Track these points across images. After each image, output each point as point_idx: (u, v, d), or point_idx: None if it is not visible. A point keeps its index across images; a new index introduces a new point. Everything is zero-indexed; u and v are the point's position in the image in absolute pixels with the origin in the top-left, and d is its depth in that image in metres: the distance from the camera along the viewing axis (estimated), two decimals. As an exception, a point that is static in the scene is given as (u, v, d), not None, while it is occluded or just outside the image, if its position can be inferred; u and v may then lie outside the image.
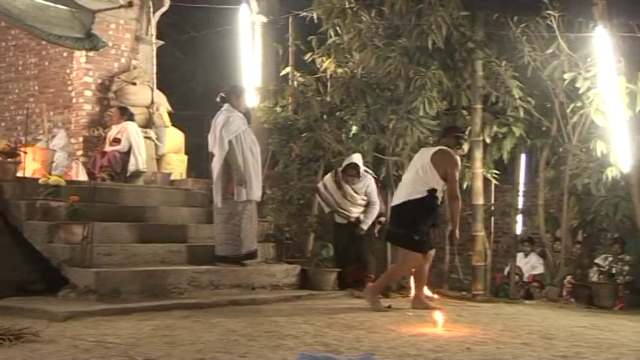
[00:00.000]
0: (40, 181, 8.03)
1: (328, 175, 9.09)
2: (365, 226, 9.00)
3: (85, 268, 6.85)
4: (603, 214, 8.65)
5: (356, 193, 8.94)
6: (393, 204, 7.63)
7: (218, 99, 8.11)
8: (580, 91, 8.52)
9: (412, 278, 7.88)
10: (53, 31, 9.74)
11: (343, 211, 8.98)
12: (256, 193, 8.04)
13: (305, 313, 6.74)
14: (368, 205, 9.01)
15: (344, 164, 8.92)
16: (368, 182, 9.02)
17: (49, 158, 9.76)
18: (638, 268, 8.45)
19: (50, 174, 8.87)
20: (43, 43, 11.64)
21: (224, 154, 7.83)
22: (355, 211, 8.99)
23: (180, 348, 4.83)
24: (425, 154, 7.47)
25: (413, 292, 7.87)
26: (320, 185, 9.12)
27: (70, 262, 6.99)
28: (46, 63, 12.25)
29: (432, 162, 7.25)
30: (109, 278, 6.80)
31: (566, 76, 8.55)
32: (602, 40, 8.17)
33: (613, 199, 8.48)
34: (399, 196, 7.47)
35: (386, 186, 9.95)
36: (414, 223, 7.24)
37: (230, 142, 7.83)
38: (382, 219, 9.08)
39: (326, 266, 8.83)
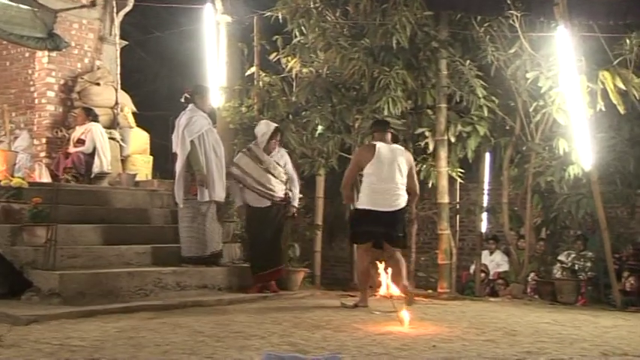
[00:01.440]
0: (1, 183, 7.93)
1: (239, 154, 8.32)
2: (296, 204, 8.44)
3: (49, 270, 6.78)
4: (566, 212, 8.76)
5: (278, 165, 8.28)
6: (393, 208, 7.31)
7: (182, 99, 8.08)
8: (542, 90, 8.62)
9: (389, 277, 7.69)
10: (14, 31, 9.63)
11: (266, 190, 8.12)
12: (219, 194, 8.00)
13: (272, 313, 6.73)
14: (288, 182, 8.34)
15: (268, 131, 8.20)
16: (282, 153, 8.44)
17: (11, 160, 9.61)
18: (600, 264, 8.58)
19: (13, 176, 8.74)
20: (4, 42, 11.47)
21: (186, 154, 7.80)
22: (279, 189, 8.21)
23: (146, 350, 4.80)
24: (397, 154, 7.43)
25: (399, 287, 7.63)
26: (232, 169, 8.19)
27: (33, 264, 6.92)
28: (7, 63, 12.06)
29: (408, 164, 7.46)
30: (73, 281, 6.73)
31: (528, 75, 8.65)
32: (563, 39, 8.28)
33: (575, 196, 8.60)
34: (398, 201, 7.36)
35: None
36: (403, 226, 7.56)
37: (192, 142, 7.80)
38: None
39: (293, 266, 8.83)
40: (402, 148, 7.75)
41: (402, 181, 7.40)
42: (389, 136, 7.61)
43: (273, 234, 8.26)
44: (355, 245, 7.90)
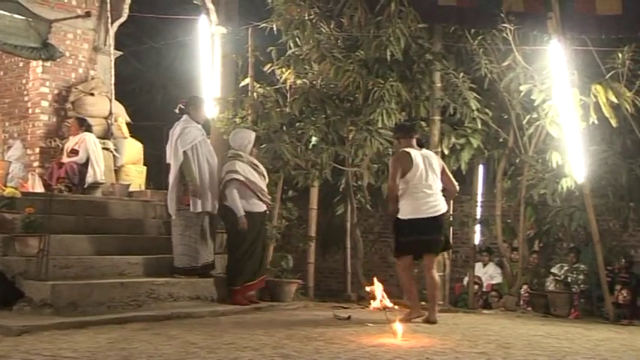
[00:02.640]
0: (-6, 193, 7.89)
1: (233, 162, 8.09)
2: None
3: (41, 281, 6.75)
4: (559, 224, 8.80)
5: None
6: (436, 214, 7.18)
7: (177, 110, 8.08)
8: (535, 103, 8.67)
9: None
10: (8, 41, 9.63)
11: (262, 195, 8.16)
12: (212, 205, 7.98)
13: (265, 324, 6.72)
14: None
15: (251, 139, 8.25)
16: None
17: (4, 170, 9.59)
18: (593, 277, 8.60)
19: (5, 185, 8.72)
20: (-2, 52, 11.48)
21: (179, 164, 7.80)
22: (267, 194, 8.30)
23: (138, 361, 4.79)
24: (432, 159, 7.34)
25: (411, 305, 7.57)
26: (235, 175, 7.99)
27: (25, 274, 6.88)
28: (1, 73, 12.05)
29: (440, 165, 7.39)
30: (65, 291, 6.70)
31: (522, 88, 8.69)
32: (556, 53, 8.32)
33: (568, 209, 8.64)
34: (440, 204, 7.25)
35: (346, 197, 10.01)
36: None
37: (185, 152, 7.79)
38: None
39: (286, 277, 8.82)
40: (432, 153, 7.68)
41: (439, 185, 7.32)
42: (414, 141, 7.41)
43: (263, 241, 8.32)
44: (396, 260, 7.63)
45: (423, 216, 7.15)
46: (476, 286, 10.02)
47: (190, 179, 7.79)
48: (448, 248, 8.08)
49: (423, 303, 9.07)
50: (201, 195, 7.82)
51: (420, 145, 7.48)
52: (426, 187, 7.17)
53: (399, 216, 7.24)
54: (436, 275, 7.39)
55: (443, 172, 7.40)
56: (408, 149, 7.26)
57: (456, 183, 7.59)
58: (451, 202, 9.77)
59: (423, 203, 7.16)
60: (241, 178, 8.00)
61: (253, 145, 8.32)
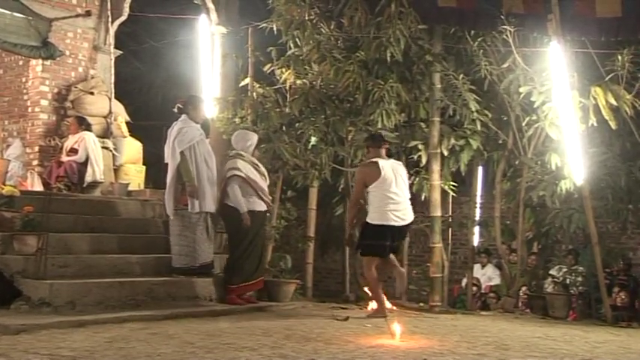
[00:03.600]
0: (-7, 192, 7.89)
1: (235, 160, 8.08)
2: None
3: (39, 279, 6.75)
4: (558, 226, 8.79)
5: None
6: (405, 222, 7.56)
7: (175, 109, 8.07)
8: (535, 105, 8.67)
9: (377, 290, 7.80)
10: (8, 39, 9.65)
11: (264, 194, 8.18)
12: (210, 205, 7.96)
13: (263, 324, 6.71)
14: None
15: (254, 140, 8.32)
16: None
17: (3, 168, 9.58)
18: (591, 279, 8.60)
19: (4, 184, 8.72)
20: (-2, 50, 11.48)
21: (176, 164, 7.79)
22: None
23: (136, 361, 4.79)
24: (398, 169, 7.68)
25: (377, 303, 7.77)
26: (237, 172, 7.98)
27: (23, 273, 6.88)
28: (1, 71, 12.06)
29: (407, 178, 7.81)
30: (63, 290, 6.70)
31: (521, 89, 8.69)
32: (556, 55, 8.32)
33: (567, 211, 8.63)
34: (408, 213, 7.61)
35: (345, 197, 10.00)
36: None
37: (182, 153, 7.77)
38: None
39: (284, 277, 8.82)
40: (400, 162, 8.04)
41: (407, 194, 7.67)
42: (384, 151, 7.73)
43: (262, 241, 8.34)
44: (362, 257, 7.91)
45: (390, 223, 7.48)
46: (474, 288, 10.03)
47: (188, 179, 7.77)
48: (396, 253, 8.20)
49: (422, 304, 9.14)
50: (199, 195, 7.81)
51: (389, 156, 7.87)
52: (393, 194, 7.48)
53: (368, 220, 7.56)
54: (401, 268, 7.91)
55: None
56: (376, 159, 7.57)
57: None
58: (450, 204, 9.88)
59: (390, 210, 7.49)
60: (243, 175, 7.97)
61: (255, 147, 8.34)
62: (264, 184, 8.23)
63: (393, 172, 7.54)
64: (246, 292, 8.06)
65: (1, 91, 11.98)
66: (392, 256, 7.73)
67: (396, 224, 7.48)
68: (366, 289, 8.18)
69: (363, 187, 7.58)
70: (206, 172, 7.91)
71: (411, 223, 7.77)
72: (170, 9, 13.38)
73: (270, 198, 8.51)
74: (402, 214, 7.53)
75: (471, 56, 9.05)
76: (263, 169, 8.35)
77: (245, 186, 7.98)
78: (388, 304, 7.99)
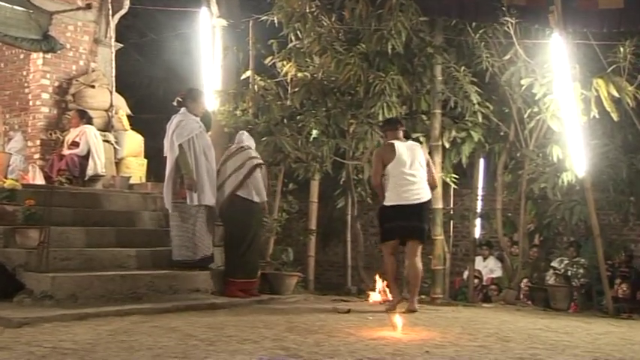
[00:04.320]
0: (-5, 185, 7.90)
1: (252, 150, 8.24)
2: None
3: (42, 273, 6.75)
4: (559, 218, 8.79)
5: None
6: (418, 201, 7.42)
7: (175, 103, 8.06)
8: (537, 97, 8.66)
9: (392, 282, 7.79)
10: (8, 32, 9.64)
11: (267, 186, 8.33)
12: (209, 198, 7.94)
13: (265, 317, 6.72)
14: None
15: (245, 135, 8.43)
16: None
17: (5, 162, 9.59)
18: (593, 271, 8.60)
19: (6, 177, 8.72)
20: (-1, 44, 11.47)
21: (175, 157, 7.78)
22: None
23: (138, 353, 4.79)
24: (416, 150, 7.59)
25: (391, 294, 7.80)
26: (257, 161, 8.12)
27: (25, 266, 6.89)
28: (2, 65, 12.06)
29: (426, 159, 7.67)
30: (65, 283, 6.71)
31: (523, 82, 8.68)
32: (557, 47, 8.31)
33: (569, 203, 8.63)
34: (423, 193, 7.49)
35: (346, 190, 10.01)
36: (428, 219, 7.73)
37: (181, 146, 7.76)
38: None
39: (286, 270, 8.83)
40: (418, 144, 7.93)
41: (424, 174, 7.57)
42: (401, 133, 7.72)
43: (262, 234, 8.41)
44: (381, 245, 7.85)
45: (405, 203, 7.42)
46: (476, 280, 10.05)
47: (186, 172, 7.76)
48: (422, 238, 7.79)
49: (423, 296, 9.15)
50: (198, 188, 7.80)
51: (407, 137, 7.83)
52: (409, 175, 7.44)
53: (384, 203, 7.53)
54: (419, 263, 7.50)
55: (428, 164, 7.68)
56: (392, 141, 7.57)
57: (436, 179, 7.89)
58: (451, 196, 9.89)
59: (405, 190, 7.43)
60: (263, 162, 8.10)
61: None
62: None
63: (410, 152, 7.52)
64: (248, 287, 8.03)
65: (2, 85, 11.98)
66: (414, 247, 7.49)
67: (411, 203, 7.41)
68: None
69: (381, 167, 7.50)
70: (205, 165, 7.90)
71: (429, 202, 7.65)
72: (171, 2, 13.35)
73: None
74: (417, 193, 7.44)
75: (473, 48, 9.05)
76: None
77: (263, 175, 8.10)
78: (390, 297, 8.02)
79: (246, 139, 8.39)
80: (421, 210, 7.50)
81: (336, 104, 9.49)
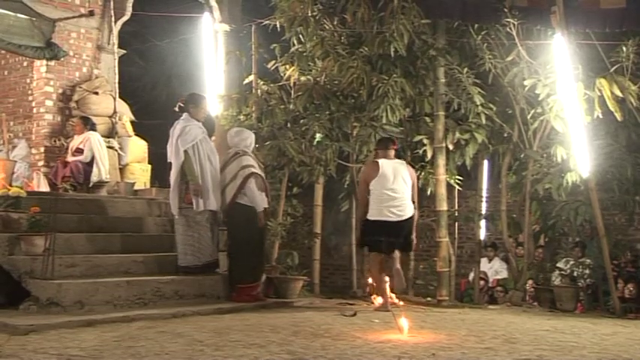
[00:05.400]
0: (0, 193, 7.91)
1: (247, 157, 8.07)
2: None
3: (47, 280, 6.75)
4: (564, 219, 8.77)
5: None
6: (400, 218, 7.80)
7: (176, 109, 8.06)
8: (540, 98, 8.65)
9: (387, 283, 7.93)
10: (12, 40, 9.66)
11: (266, 191, 8.24)
12: (214, 203, 7.94)
13: (271, 321, 6.72)
14: None
15: (252, 138, 8.30)
16: None
17: (9, 169, 9.62)
18: (599, 271, 8.58)
19: (11, 185, 8.74)
20: (2, 52, 11.50)
21: (180, 163, 7.78)
22: None
23: (145, 359, 4.80)
24: (400, 169, 7.95)
25: (382, 297, 7.93)
26: (253, 170, 7.96)
27: (31, 274, 6.89)
28: (6, 72, 12.09)
29: (412, 179, 8.01)
30: (71, 290, 6.71)
31: (526, 82, 8.67)
32: (560, 47, 8.31)
33: (573, 203, 8.61)
34: (405, 210, 7.86)
35: (350, 193, 10.01)
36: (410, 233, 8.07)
37: (186, 151, 7.76)
38: None
39: (291, 274, 8.83)
40: (404, 162, 8.24)
41: (407, 191, 7.92)
42: (392, 152, 8.07)
43: (266, 237, 8.42)
44: (366, 253, 8.30)
45: (386, 219, 7.81)
46: (482, 282, 10.03)
47: (192, 178, 7.76)
48: (409, 250, 8.49)
49: (429, 298, 9.15)
50: (203, 193, 7.81)
51: (398, 157, 8.28)
52: (390, 190, 7.82)
53: (367, 216, 7.93)
54: (398, 265, 7.90)
55: (413, 185, 8.03)
56: (378, 159, 7.98)
57: (416, 198, 8.17)
58: (456, 198, 9.89)
59: (387, 206, 7.81)
60: (258, 172, 8.02)
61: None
62: (265, 179, 8.27)
63: (393, 170, 7.88)
64: (255, 291, 8.04)
65: (6, 93, 12.01)
66: (396, 253, 7.90)
67: (392, 219, 7.80)
68: (370, 280, 8.43)
69: (366, 185, 7.91)
70: (210, 171, 7.89)
71: (410, 219, 7.92)
72: (173, 7, 13.39)
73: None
74: (399, 210, 7.82)
75: (475, 50, 9.05)
76: (261, 164, 8.40)
77: (259, 182, 8.01)
78: (395, 300, 8.05)
79: (235, 141, 8.19)
80: (403, 227, 7.89)
81: (340, 107, 9.49)
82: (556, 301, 8.61)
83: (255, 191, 7.91)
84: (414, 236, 8.11)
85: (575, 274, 8.77)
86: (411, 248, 8.30)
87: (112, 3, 11.65)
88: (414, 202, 8.00)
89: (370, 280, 8.56)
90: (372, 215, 7.86)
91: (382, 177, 7.80)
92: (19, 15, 9.80)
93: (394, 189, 7.81)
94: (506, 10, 8.54)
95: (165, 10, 13.18)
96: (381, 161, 7.90)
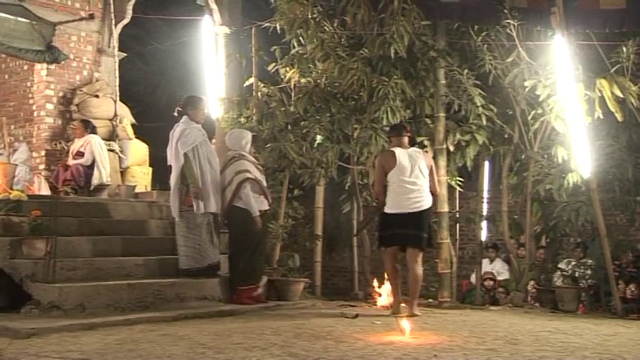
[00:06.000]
0: (0, 196, 7.91)
1: (244, 161, 8.06)
2: None
3: (49, 283, 6.76)
4: (565, 220, 8.77)
5: None
6: (418, 209, 7.45)
7: (175, 113, 8.07)
8: (540, 99, 8.65)
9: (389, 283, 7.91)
10: (12, 44, 9.68)
11: (266, 193, 8.21)
12: (215, 206, 7.94)
13: (272, 324, 6.72)
14: None
15: (249, 138, 8.26)
16: None
17: (10, 173, 9.62)
18: (600, 272, 8.57)
19: (12, 189, 8.74)
20: (3, 56, 11.51)
21: (180, 166, 7.79)
22: None
23: (147, 362, 4.80)
24: (416, 157, 7.60)
25: (392, 297, 7.89)
26: (248, 175, 7.96)
27: (32, 277, 6.89)
28: (6, 76, 12.10)
29: (428, 166, 7.66)
30: (73, 293, 6.71)
31: (526, 83, 8.67)
32: (560, 48, 8.30)
33: (575, 204, 8.61)
34: (423, 201, 7.52)
35: (351, 195, 10.00)
36: (429, 226, 7.71)
37: (186, 154, 7.76)
38: None
39: (293, 276, 8.82)
40: (420, 151, 7.93)
41: (425, 182, 7.58)
42: (406, 139, 7.74)
43: (267, 239, 8.38)
44: (382, 250, 7.86)
45: (405, 211, 7.47)
46: (491, 282, 10.02)
47: (192, 181, 7.76)
48: (430, 246, 7.94)
49: (431, 300, 9.13)
50: (204, 196, 7.81)
51: (412, 144, 7.88)
52: (409, 182, 7.48)
53: (385, 210, 7.59)
54: (419, 270, 7.54)
55: (430, 172, 7.70)
56: (394, 148, 7.62)
57: (437, 188, 7.91)
58: (457, 200, 9.88)
59: (405, 198, 7.47)
60: (253, 177, 7.98)
61: (251, 145, 8.34)
62: (264, 182, 8.24)
63: (410, 160, 7.54)
64: (254, 292, 8.04)
65: (7, 96, 12.02)
66: (414, 254, 7.51)
67: (410, 211, 7.45)
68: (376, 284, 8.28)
69: (383, 174, 7.56)
70: (210, 173, 7.90)
71: (429, 209, 7.64)
72: (173, 10, 13.41)
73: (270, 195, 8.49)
74: (417, 201, 7.48)
75: (475, 51, 9.04)
76: (260, 167, 8.37)
77: (255, 187, 7.98)
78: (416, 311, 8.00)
79: (233, 143, 8.20)
80: (420, 218, 7.51)
81: (340, 109, 9.49)
82: (558, 301, 8.60)
83: (250, 196, 7.90)
84: (431, 228, 7.81)
85: (576, 274, 8.76)
86: (429, 245, 7.75)
87: (112, 6, 11.64)
88: (433, 194, 7.70)
89: (375, 283, 8.53)
90: (389, 208, 7.53)
91: (399, 168, 7.47)
92: (19, 19, 9.82)
93: (413, 181, 7.47)
94: (506, 11, 8.53)
95: (165, 12, 13.20)
96: (398, 151, 7.56)
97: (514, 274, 9.72)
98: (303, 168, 9.52)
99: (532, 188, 9.01)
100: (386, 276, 7.98)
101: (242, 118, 9.98)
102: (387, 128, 8.98)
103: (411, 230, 7.49)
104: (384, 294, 8.30)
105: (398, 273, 7.74)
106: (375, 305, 8.17)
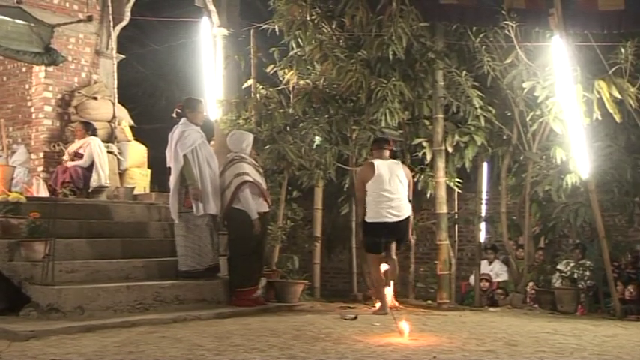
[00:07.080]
0: (-1, 199, 7.91)
1: (242, 164, 8.01)
2: None
3: (48, 285, 6.75)
4: (564, 221, 8.78)
5: None
6: (398, 218, 7.86)
7: (174, 114, 8.06)
8: (539, 100, 8.66)
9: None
10: (11, 46, 9.67)
11: (266, 195, 8.18)
12: (214, 207, 7.93)
13: (271, 325, 6.72)
14: None
15: (250, 140, 8.25)
16: None
17: (9, 175, 9.60)
18: (599, 273, 8.58)
19: (10, 191, 8.74)
20: (1, 58, 11.50)
21: (179, 168, 7.78)
22: None
23: (146, 364, 4.80)
24: (395, 169, 8.01)
25: (379, 300, 7.99)
26: (247, 177, 7.91)
27: (31, 279, 6.89)
28: (4, 78, 12.09)
29: (407, 178, 8.07)
30: (72, 295, 6.71)
31: (525, 85, 8.68)
32: (558, 49, 8.31)
33: (573, 205, 8.61)
34: (402, 210, 7.93)
35: (350, 196, 10.00)
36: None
37: (185, 156, 7.76)
38: None
39: (292, 278, 8.82)
40: (400, 163, 8.28)
41: (404, 191, 7.99)
42: (387, 152, 8.11)
43: (265, 241, 8.39)
44: (368, 255, 8.34)
45: (384, 220, 7.87)
46: (487, 284, 10.02)
47: (191, 183, 7.76)
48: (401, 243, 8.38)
49: (430, 301, 9.14)
50: (203, 198, 7.81)
51: (394, 157, 8.30)
52: (388, 192, 7.88)
53: (365, 219, 7.98)
54: (395, 257, 8.07)
55: (408, 185, 8.09)
56: (374, 160, 8.05)
57: (409, 200, 8.16)
58: (455, 201, 9.89)
59: (384, 207, 7.86)
60: (252, 179, 7.96)
61: (252, 147, 8.35)
62: (263, 185, 8.23)
63: (389, 171, 7.93)
64: (253, 294, 8.03)
65: (5, 98, 12.01)
66: (393, 246, 8.01)
67: (389, 221, 7.85)
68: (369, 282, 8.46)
69: (363, 186, 7.96)
70: (209, 175, 7.90)
71: (408, 219, 7.98)
72: (171, 12, 13.41)
73: (270, 197, 8.48)
74: (396, 210, 7.88)
75: (474, 52, 9.05)
76: (260, 169, 8.36)
77: (254, 190, 7.97)
78: (395, 303, 8.07)
79: (233, 144, 8.19)
80: (400, 228, 7.96)
81: (339, 111, 9.50)
82: (556, 303, 8.60)
83: (248, 199, 7.88)
84: (410, 236, 8.23)
85: (575, 275, 8.76)
86: (405, 243, 8.38)
87: (110, 8, 11.65)
88: (409, 202, 8.06)
89: (369, 282, 8.59)
90: (370, 217, 7.91)
91: (378, 178, 7.85)
92: (17, 21, 9.82)
93: (390, 190, 7.86)
94: (504, 12, 8.54)
95: (163, 14, 13.21)
96: (377, 162, 7.97)
97: (513, 275, 9.72)
98: (301, 169, 9.52)
99: (531, 189, 9.02)
100: (373, 280, 8.29)
101: (240, 120, 9.97)
102: (386, 130, 9.03)
103: (392, 238, 7.98)
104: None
105: (383, 279, 8.03)
106: (374, 307, 8.16)
